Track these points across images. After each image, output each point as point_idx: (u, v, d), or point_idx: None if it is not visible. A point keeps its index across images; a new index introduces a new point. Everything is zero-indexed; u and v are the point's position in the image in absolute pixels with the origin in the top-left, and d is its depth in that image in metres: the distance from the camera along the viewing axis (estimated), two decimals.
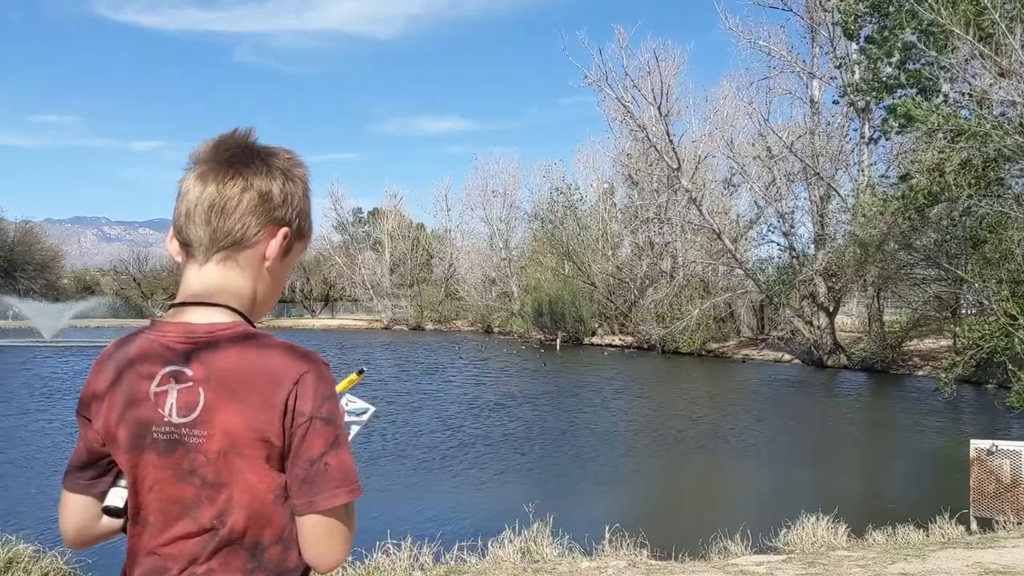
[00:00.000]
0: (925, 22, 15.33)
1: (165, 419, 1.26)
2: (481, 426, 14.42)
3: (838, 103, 27.19)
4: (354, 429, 1.55)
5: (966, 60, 15.28)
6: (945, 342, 24.38)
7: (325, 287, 58.69)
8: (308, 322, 53.52)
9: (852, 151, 29.07)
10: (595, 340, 37.41)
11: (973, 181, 16.60)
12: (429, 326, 49.90)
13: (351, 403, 1.59)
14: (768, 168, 29.98)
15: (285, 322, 50.20)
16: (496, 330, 44.55)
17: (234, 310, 1.31)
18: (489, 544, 6.08)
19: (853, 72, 22.86)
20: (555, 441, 13.27)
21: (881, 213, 21.35)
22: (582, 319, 37.30)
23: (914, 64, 17.90)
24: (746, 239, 33.77)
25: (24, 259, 51.56)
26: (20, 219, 55.28)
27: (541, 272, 41.25)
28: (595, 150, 44.88)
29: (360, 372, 1.71)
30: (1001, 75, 14.75)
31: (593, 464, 11.66)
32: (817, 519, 6.96)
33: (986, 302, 17.88)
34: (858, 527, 7.22)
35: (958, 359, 18.04)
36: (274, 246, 1.34)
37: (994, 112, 15.57)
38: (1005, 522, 7.51)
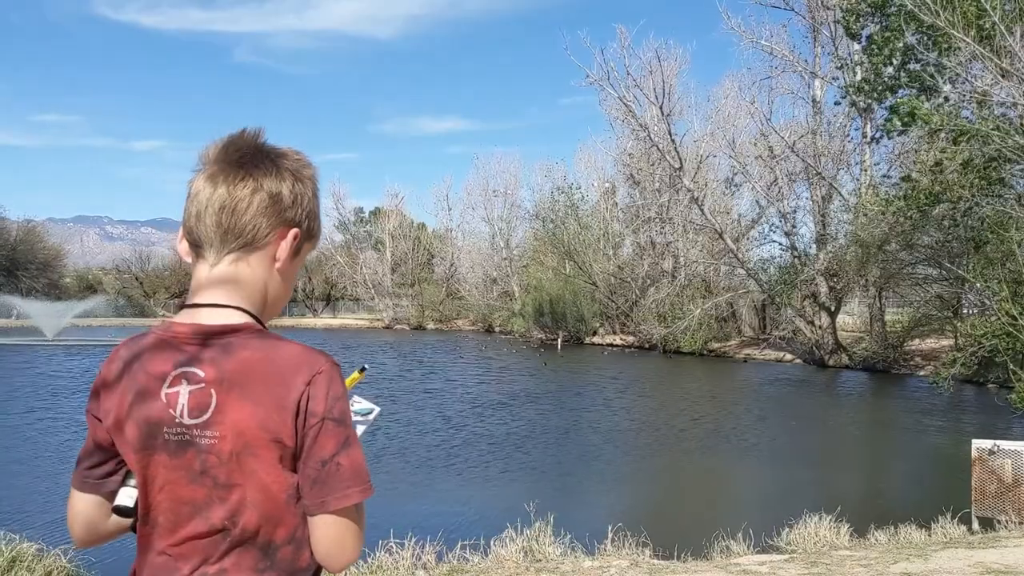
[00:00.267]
0: (925, 24, 15.31)
1: (176, 420, 1.26)
2: (483, 425, 14.42)
3: (840, 104, 27.19)
4: (360, 429, 1.55)
5: (967, 61, 15.26)
6: (947, 342, 24.36)
7: (327, 286, 58.81)
8: (310, 321, 53.56)
9: (854, 151, 29.08)
10: (596, 340, 37.41)
11: (975, 181, 16.61)
12: (430, 325, 49.93)
13: (356, 403, 1.58)
14: (770, 168, 29.97)
15: (287, 321, 50.20)
16: (497, 330, 44.57)
17: (245, 311, 1.32)
18: (491, 543, 6.07)
19: (855, 72, 22.86)
20: (557, 440, 13.26)
21: (883, 213, 21.34)
22: (583, 319, 37.29)
23: (915, 65, 17.88)
24: (748, 239, 33.78)
25: (27, 258, 51.73)
26: (23, 218, 55.70)
27: (542, 272, 41.25)
28: (597, 150, 45.00)
29: (362, 370, 1.70)
30: (1003, 75, 14.73)
31: (595, 463, 11.64)
32: (819, 519, 6.96)
33: (987, 302, 17.87)
34: (860, 527, 7.22)
35: (959, 355, 18.07)
36: (284, 247, 1.34)
37: (995, 113, 15.55)
38: (1007, 522, 7.51)
